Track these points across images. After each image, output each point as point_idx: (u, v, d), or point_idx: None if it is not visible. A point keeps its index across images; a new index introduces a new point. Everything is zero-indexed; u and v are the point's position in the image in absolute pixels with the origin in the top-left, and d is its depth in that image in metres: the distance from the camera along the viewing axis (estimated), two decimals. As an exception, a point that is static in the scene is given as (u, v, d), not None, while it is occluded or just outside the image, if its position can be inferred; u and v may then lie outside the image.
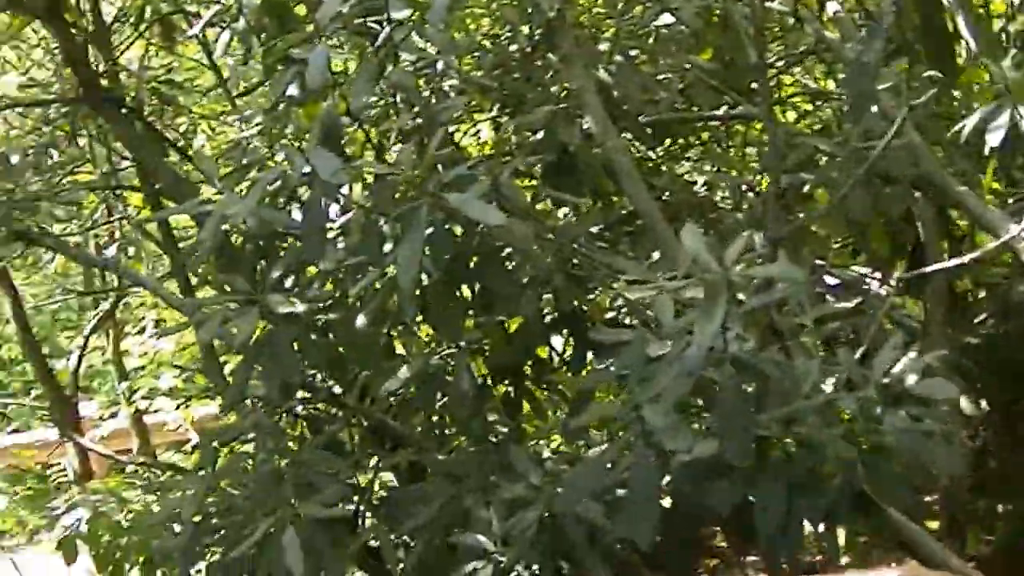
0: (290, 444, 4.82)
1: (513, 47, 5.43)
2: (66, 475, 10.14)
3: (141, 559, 5.87)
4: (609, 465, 3.90)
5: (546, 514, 4.01)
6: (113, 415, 11.24)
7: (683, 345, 3.52)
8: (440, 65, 5.02)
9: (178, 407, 10.92)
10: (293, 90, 4.63)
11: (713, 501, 3.62)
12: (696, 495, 3.67)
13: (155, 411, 11.10)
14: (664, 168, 6.13)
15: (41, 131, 7.22)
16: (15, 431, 12.69)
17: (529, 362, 4.94)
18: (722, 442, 3.51)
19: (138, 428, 10.43)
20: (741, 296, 3.48)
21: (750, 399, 3.55)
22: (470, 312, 4.69)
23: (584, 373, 4.76)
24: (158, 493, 5.57)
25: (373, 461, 5.14)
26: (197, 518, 4.64)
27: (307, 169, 4.12)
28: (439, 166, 4.09)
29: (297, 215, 4.66)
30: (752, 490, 3.60)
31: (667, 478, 3.68)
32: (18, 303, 7.89)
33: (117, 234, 8.54)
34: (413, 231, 3.78)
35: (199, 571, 4.81)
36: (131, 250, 8.58)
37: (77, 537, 6.43)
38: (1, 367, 15.99)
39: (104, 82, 6.64)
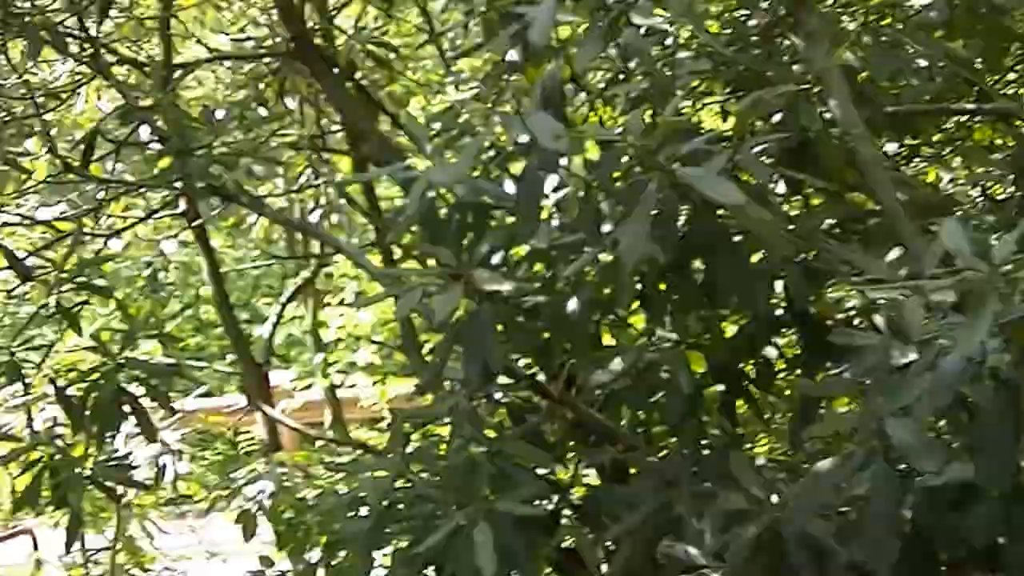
0: (488, 432, 4.48)
1: (752, 22, 5.04)
2: (256, 444, 10.03)
3: (323, 539, 5.60)
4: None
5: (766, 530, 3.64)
6: (308, 386, 11.11)
7: (934, 353, 3.14)
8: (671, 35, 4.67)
9: (374, 383, 10.78)
10: (514, 53, 4.33)
11: (964, 530, 3.23)
12: (942, 521, 3.29)
13: (350, 386, 10.96)
14: (902, 163, 5.71)
15: (250, 87, 7.04)
16: (207, 395, 12.66)
17: (751, 362, 4.54)
18: (978, 465, 3.12)
19: (331, 402, 10.26)
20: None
21: (1011, 419, 3.15)
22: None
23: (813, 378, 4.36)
24: (345, 472, 5.27)
25: (575, 456, 4.80)
26: (384, 503, 4.36)
27: (523, 138, 3.80)
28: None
29: (510, 186, 4.36)
30: (1007, 520, 3.22)
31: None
32: (215, 266, 7.71)
33: (323, 199, 8.31)
34: (640, 209, 3.40)
35: (385, 554, 4.55)
36: (335, 216, 8.34)
37: (259, 510, 6.22)
38: (199, 330, 16.03)
39: (317, 40, 6.41)
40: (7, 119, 6.22)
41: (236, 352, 7.82)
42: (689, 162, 3.48)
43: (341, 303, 11.00)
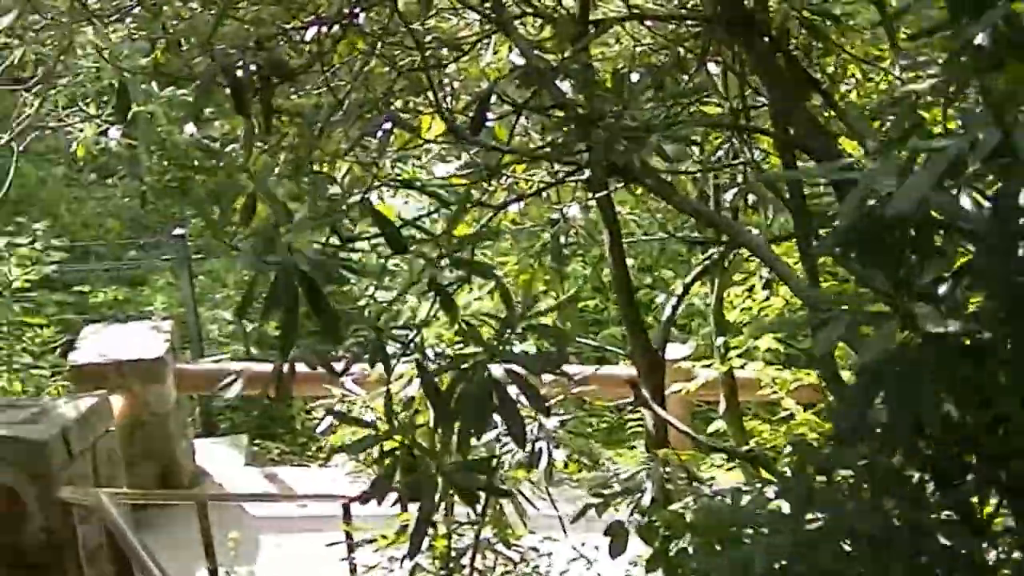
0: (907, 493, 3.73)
1: None
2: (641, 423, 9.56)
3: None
4: None
5: None
6: (707, 366, 10.54)
7: None
8: None
9: (776, 370, 10.23)
10: (985, 38, 3.55)
11: None
12: None
13: (754, 369, 10.39)
14: None
15: (669, 52, 6.43)
16: (603, 361, 12.24)
17: None
18: None
19: (727, 385, 9.67)
20: None
21: None
22: None
23: None
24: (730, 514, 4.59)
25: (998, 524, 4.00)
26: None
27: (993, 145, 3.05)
28: None
29: (966, 202, 3.57)
30: None
31: None
32: (617, 236, 7.14)
33: (739, 178, 7.64)
34: None
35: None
36: (751, 198, 7.66)
37: (635, 511, 5.65)
38: (599, 291, 15.59)
39: (748, 3, 5.74)
40: (397, 73, 5.75)
41: (629, 336, 7.24)
42: None
43: (751, 289, 10.34)
